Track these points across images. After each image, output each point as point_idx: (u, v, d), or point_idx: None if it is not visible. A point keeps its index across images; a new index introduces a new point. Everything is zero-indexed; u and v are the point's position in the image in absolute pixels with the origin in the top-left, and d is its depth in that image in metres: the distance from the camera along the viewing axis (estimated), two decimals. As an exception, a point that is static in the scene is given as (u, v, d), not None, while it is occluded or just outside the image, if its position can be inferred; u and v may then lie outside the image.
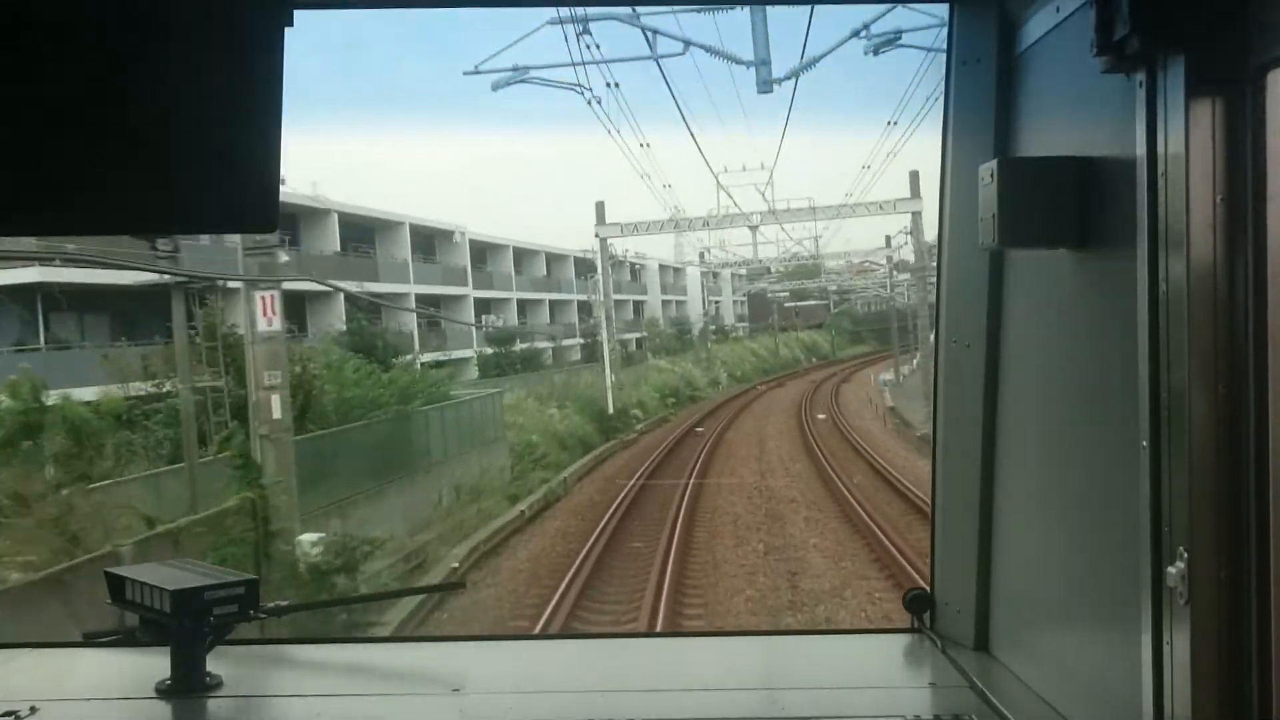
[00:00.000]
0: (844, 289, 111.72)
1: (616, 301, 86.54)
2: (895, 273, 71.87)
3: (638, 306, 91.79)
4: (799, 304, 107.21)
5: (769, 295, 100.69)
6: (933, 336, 3.12)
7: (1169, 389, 1.93)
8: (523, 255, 70.86)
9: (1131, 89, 1.99)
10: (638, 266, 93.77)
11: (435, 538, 22.86)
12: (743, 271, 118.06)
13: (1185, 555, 1.89)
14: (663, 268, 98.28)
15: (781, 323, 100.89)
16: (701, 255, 76.49)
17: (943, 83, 2.86)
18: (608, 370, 44.76)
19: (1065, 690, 2.42)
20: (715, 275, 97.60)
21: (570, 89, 28.72)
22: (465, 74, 30.06)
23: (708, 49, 25.91)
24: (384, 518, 22.30)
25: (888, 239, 72.12)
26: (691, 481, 28.03)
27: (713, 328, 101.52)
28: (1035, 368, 2.64)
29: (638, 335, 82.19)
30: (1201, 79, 1.84)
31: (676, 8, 21.35)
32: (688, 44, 26.22)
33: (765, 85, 24.99)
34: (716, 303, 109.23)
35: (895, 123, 35.04)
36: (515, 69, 29.85)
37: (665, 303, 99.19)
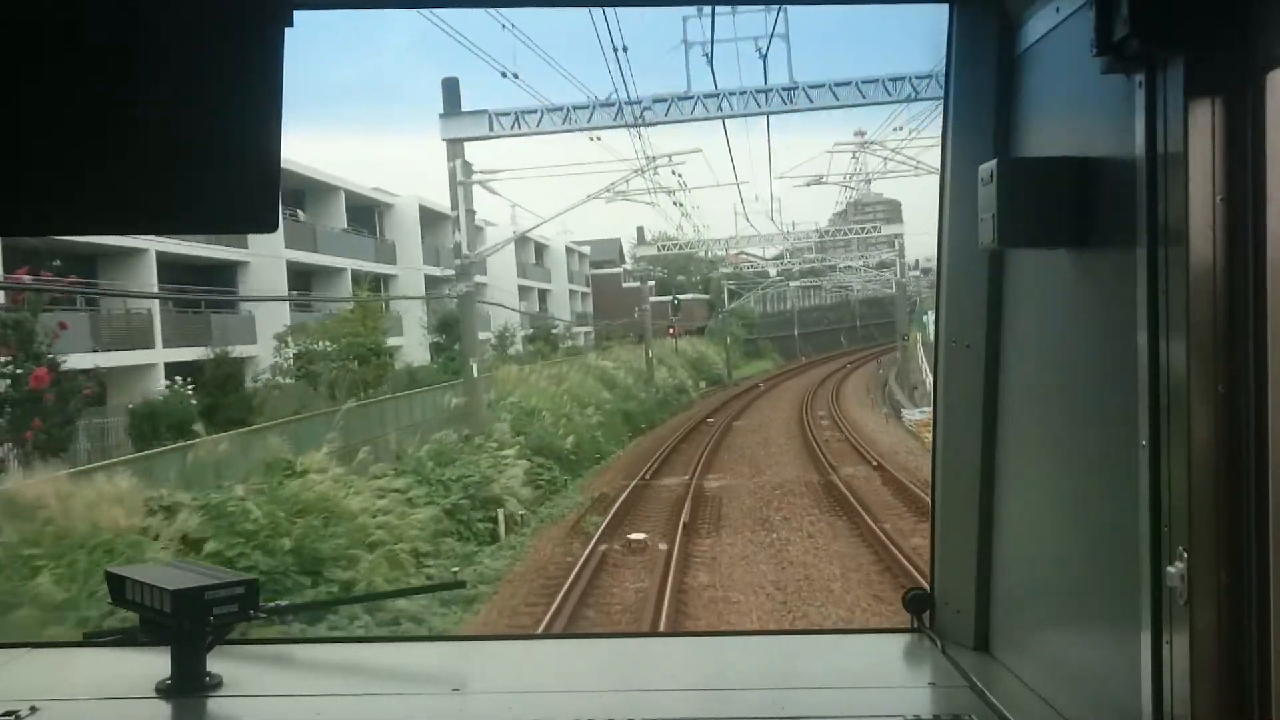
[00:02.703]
0: (743, 276, 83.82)
1: (311, 270, 39.00)
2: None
3: (382, 284, 45.21)
4: (674, 298, 72.38)
5: (625, 285, 76.11)
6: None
7: (1169, 389, 1.93)
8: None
9: (1131, 89, 1.99)
10: (381, 208, 48.98)
11: None
12: (586, 249, 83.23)
13: (1185, 555, 1.89)
14: (427, 212, 51.41)
15: (654, 322, 61.47)
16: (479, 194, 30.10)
17: (942, 83, 2.85)
18: None
19: (1065, 690, 2.40)
20: (541, 251, 70.00)
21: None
22: None
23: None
24: None
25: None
26: None
27: (527, 332, 56.94)
28: (1035, 368, 2.63)
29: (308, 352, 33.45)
30: (1201, 79, 1.84)
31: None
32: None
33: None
34: (544, 292, 72.49)
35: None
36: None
37: (435, 283, 51.80)
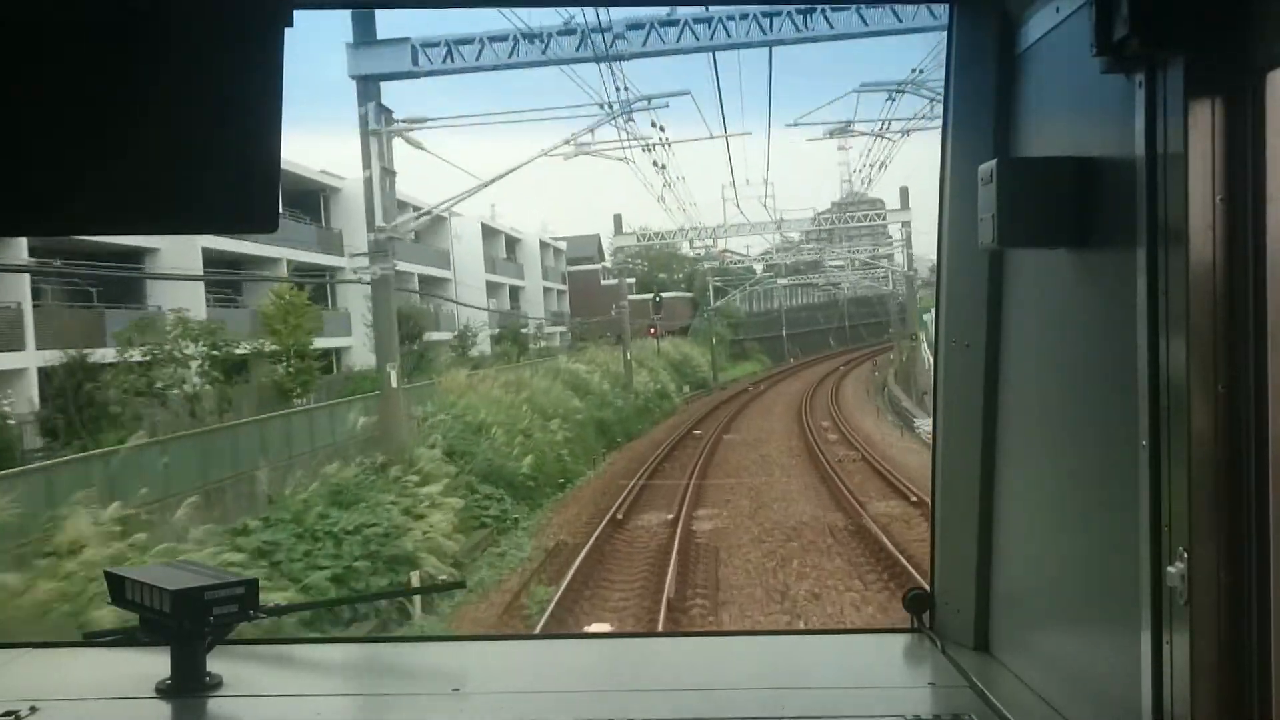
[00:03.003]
0: (729, 272, 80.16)
1: (238, 259, 34.16)
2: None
3: (329, 276, 39.94)
4: (656, 295, 67.36)
5: (604, 282, 70.38)
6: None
7: (1169, 389, 1.93)
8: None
9: (1131, 89, 1.99)
10: (327, 191, 43.27)
11: None
12: (562, 245, 79.59)
13: (1185, 555, 1.89)
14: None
15: (634, 322, 54.24)
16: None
17: (942, 83, 2.85)
18: None
19: (1065, 690, 2.40)
20: (513, 245, 65.99)
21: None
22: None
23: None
24: None
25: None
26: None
27: (493, 332, 51.67)
28: (1035, 368, 2.63)
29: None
30: (1201, 79, 1.85)
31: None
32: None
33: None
34: (515, 288, 66.81)
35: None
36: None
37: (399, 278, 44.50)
